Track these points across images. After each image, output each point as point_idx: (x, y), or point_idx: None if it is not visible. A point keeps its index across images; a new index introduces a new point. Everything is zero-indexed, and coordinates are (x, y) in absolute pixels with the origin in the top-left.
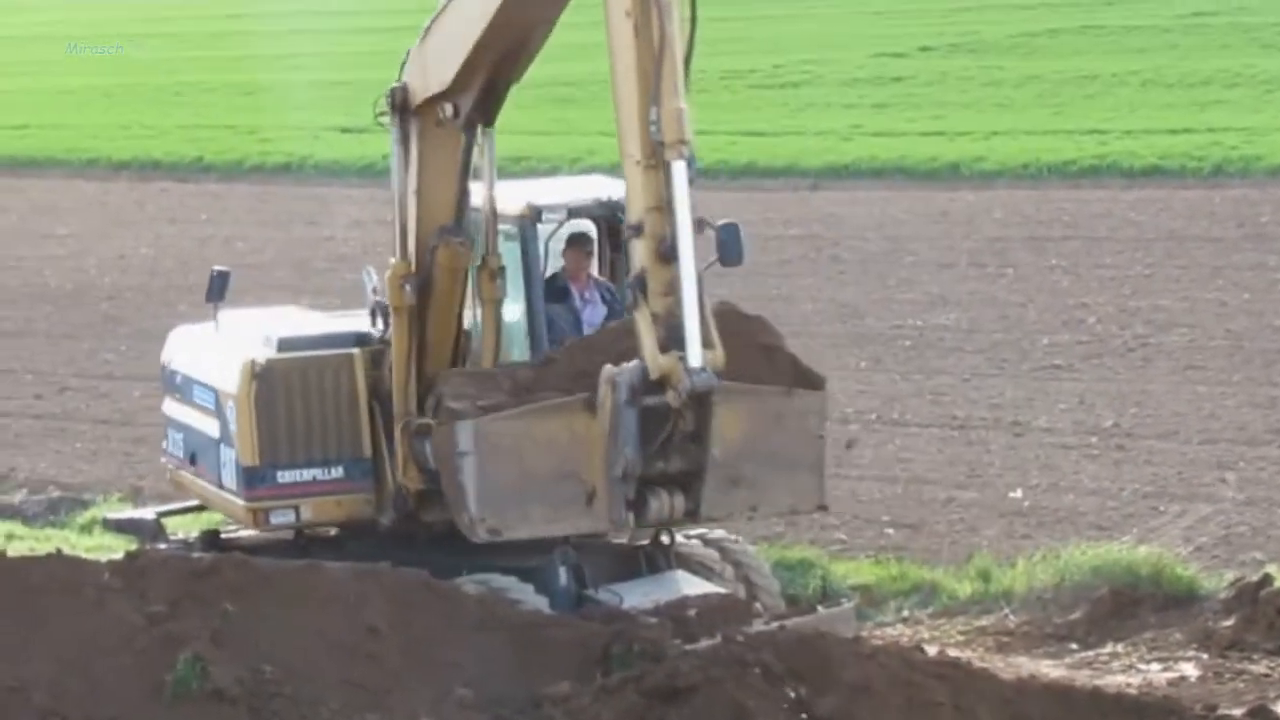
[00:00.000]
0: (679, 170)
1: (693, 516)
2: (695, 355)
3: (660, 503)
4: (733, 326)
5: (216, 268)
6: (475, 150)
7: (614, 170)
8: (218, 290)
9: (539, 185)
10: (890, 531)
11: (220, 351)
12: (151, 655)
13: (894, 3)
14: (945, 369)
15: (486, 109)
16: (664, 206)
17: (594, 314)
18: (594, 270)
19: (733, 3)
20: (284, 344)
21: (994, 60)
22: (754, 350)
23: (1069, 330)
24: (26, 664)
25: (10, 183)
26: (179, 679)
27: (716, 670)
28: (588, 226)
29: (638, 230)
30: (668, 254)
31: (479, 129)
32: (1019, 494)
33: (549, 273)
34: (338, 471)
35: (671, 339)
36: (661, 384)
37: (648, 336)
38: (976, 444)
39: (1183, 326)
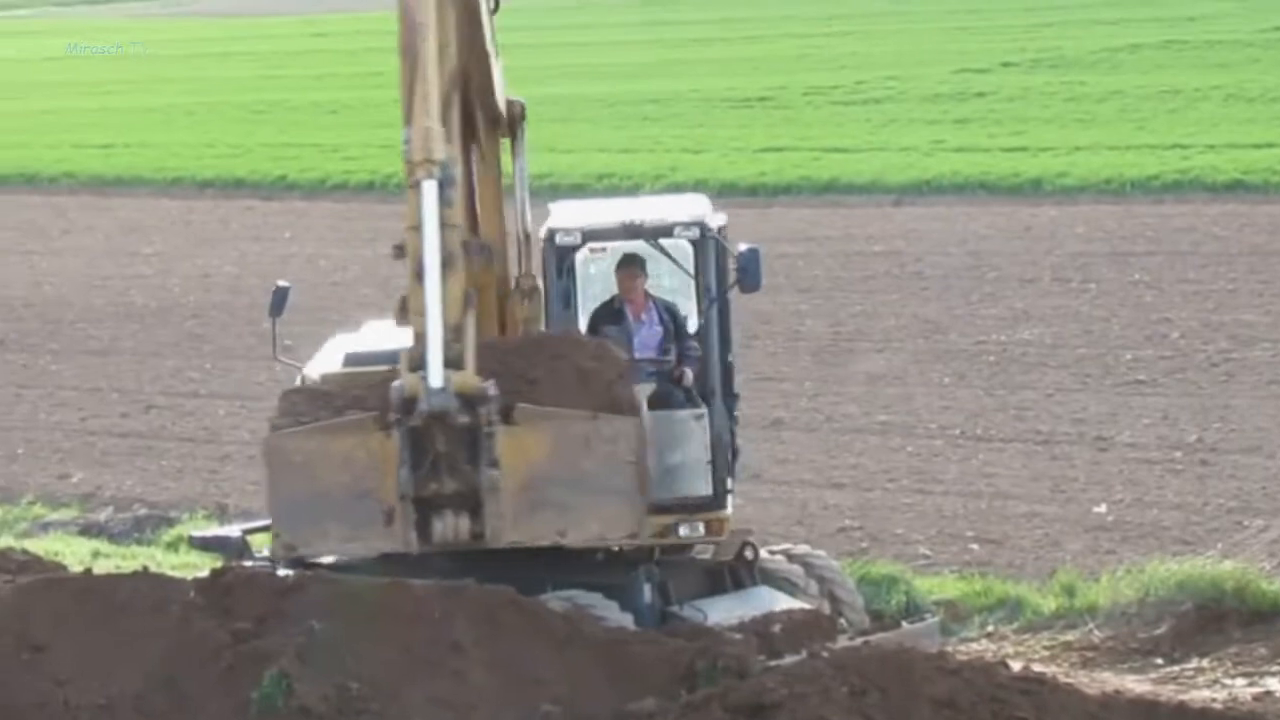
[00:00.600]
0: (427, 190)
1: (479, 539)
2: (435, 375)
3: (445, 524)
4: (555, 350)
5: (279, 282)
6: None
7: (697, 188)
8: (278, 305)
9: (606, 204)
10: (974, 547)
11: None
12: (237, 672)
13: (976, 19)
14: (1029, 384)
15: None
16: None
17: (649, 336)
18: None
19: (814, 20)
20: (349, 359)
21: (1076, 76)
22: (569, 374)
23: (1152, 345)
24: (113, 682)
25: (96, 202)
26: (264, 696)
27: (801, 686)
28: (638, 248)
29: (399, 250)
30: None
31: (472, 149)
32: (1103, 509)
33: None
34: None
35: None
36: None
37: (403, 355)
38: (1060, 459)
39: (1266, 341)
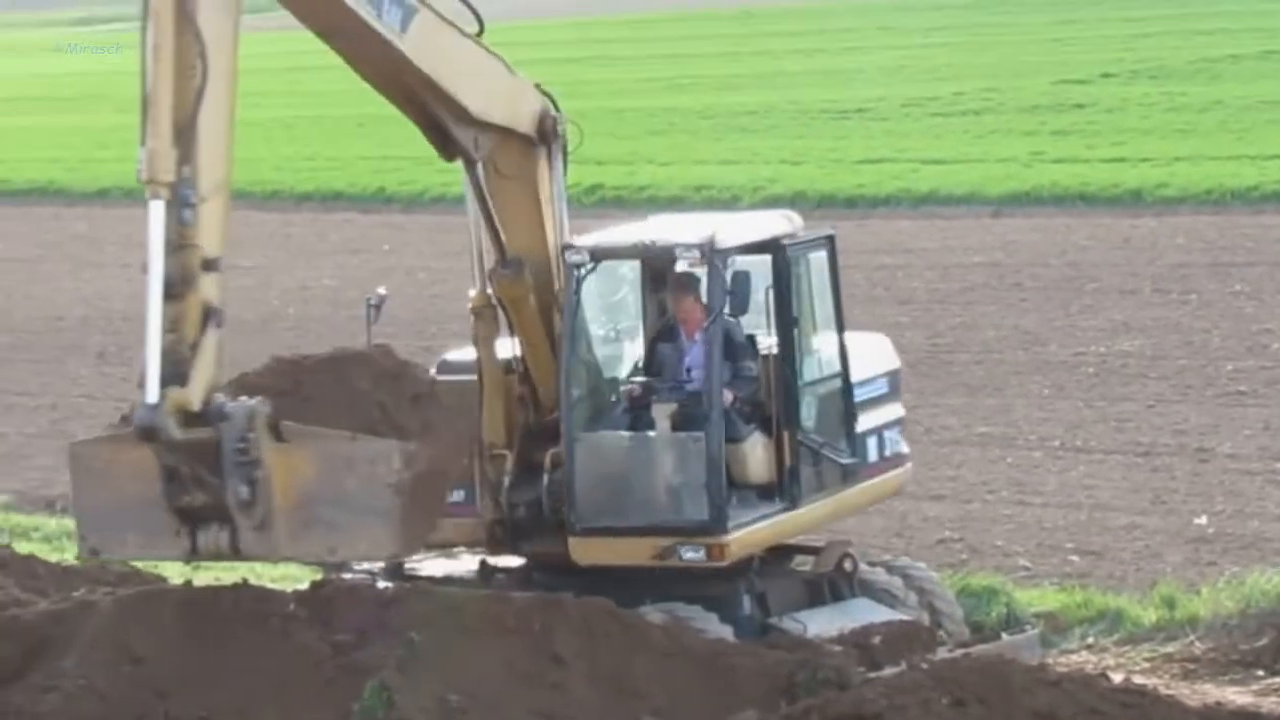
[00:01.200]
0: (153, 210)
1: (237, 554)
2: (149, 392)
3: (207, 537)
4: (343, 368)
5: (379, 290)
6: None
7: (793, 202)
8: (376, 312)
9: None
10: (1074, 558)
11: None
12: (338, 684)
13: (1075, 30)
14: (1129, 395)
15: (443, 147)
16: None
17: (700, 355)
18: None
19: (912, 31)
20: (443, 367)
21: (1176, 86)
22: (345, 394)
23: (1253, 356)
24: (214, 693)
25: None
26: (365, 708)
27: (901, 698)
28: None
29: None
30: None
31: (477, 165)
32: (1204, 520)
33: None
34: (459, 495)
35: (174, 374)
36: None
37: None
38: (1161, 470)
39: None
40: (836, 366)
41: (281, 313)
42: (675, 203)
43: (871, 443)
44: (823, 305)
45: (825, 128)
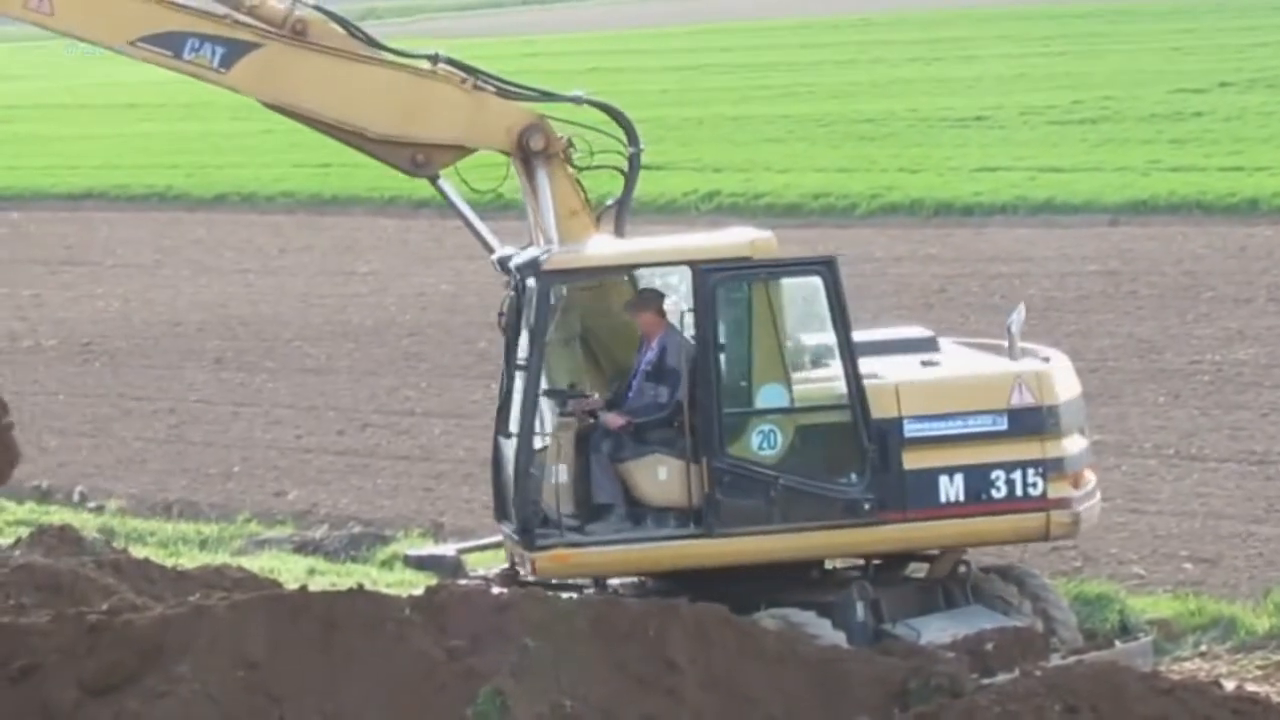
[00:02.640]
0: None
1: None
2: None
3: None
4: None
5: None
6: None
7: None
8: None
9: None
10: (1188, 566)
11: None
12: (451, 690)
13: (1193, 39)
14: (1244, 404)
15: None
16: None
17: (644, 364)
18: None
19: (1030, 40)
20: None
21: None
22: None
23: None
24: (330, 698)
25: (313, 220)
26: (479, 713)
27: (1015, 705)
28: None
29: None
30: None
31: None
32: None
33: None
34: None
35: None
36: None
37: None
38: (1275, 479)
39: None
40: (833, 397)
41: (398, 319)
42: (792, 210)
43: (936, 481)
44: (814, 331)
45: (943, 136)
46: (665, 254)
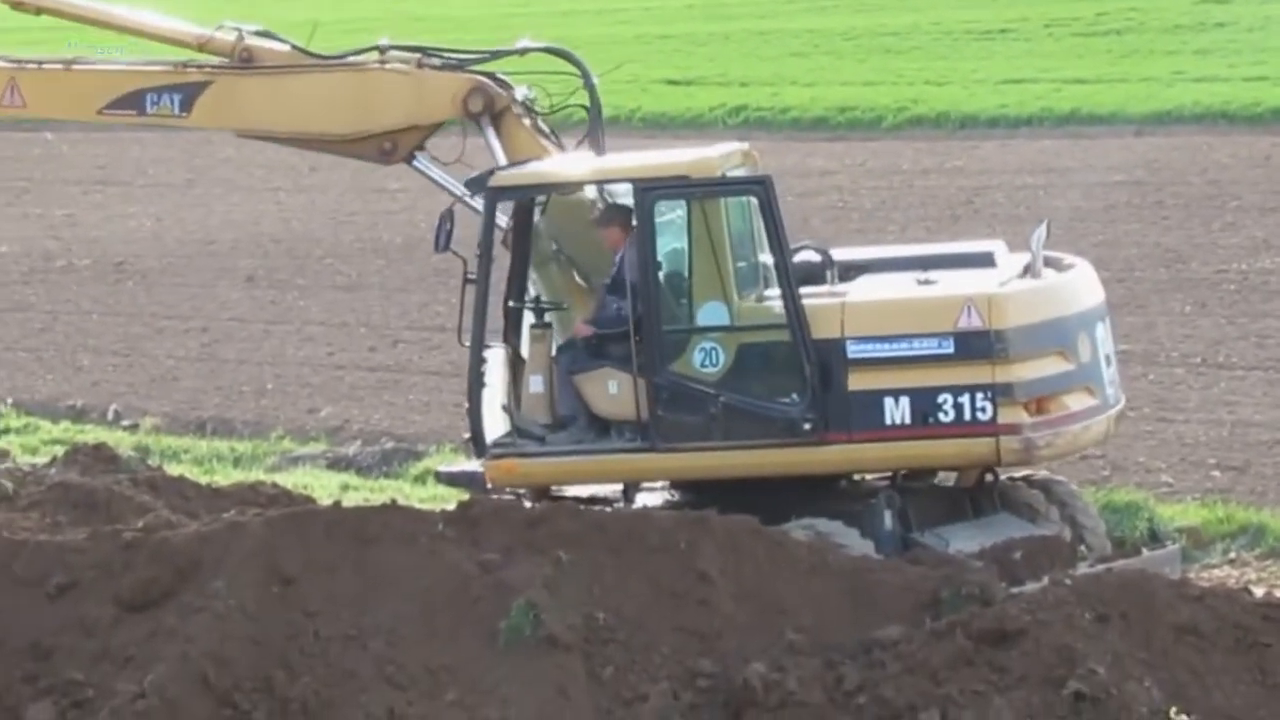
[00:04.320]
0: None
1: None
2: None
3: None
4: None
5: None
6: None
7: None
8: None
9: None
10: (1216, 474)
11: None
12: (485, 603)
13: None
14: (1270, 312)
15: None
16: None
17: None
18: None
19: None
20: None
21: None
22: None
23: None
24: (364, 613)
25: None
26: (512, 626)
27: (1045, 613)
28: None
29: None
30: None
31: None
32: None
33: None
34: None
35: None
36: None
37: None
38: None
39: None
40: (771, 316)
41: (429, 236)
42: (819, 124)
43: (880, 403)
44: (752, 251)
45: (968, 48)
46: (608, 172)
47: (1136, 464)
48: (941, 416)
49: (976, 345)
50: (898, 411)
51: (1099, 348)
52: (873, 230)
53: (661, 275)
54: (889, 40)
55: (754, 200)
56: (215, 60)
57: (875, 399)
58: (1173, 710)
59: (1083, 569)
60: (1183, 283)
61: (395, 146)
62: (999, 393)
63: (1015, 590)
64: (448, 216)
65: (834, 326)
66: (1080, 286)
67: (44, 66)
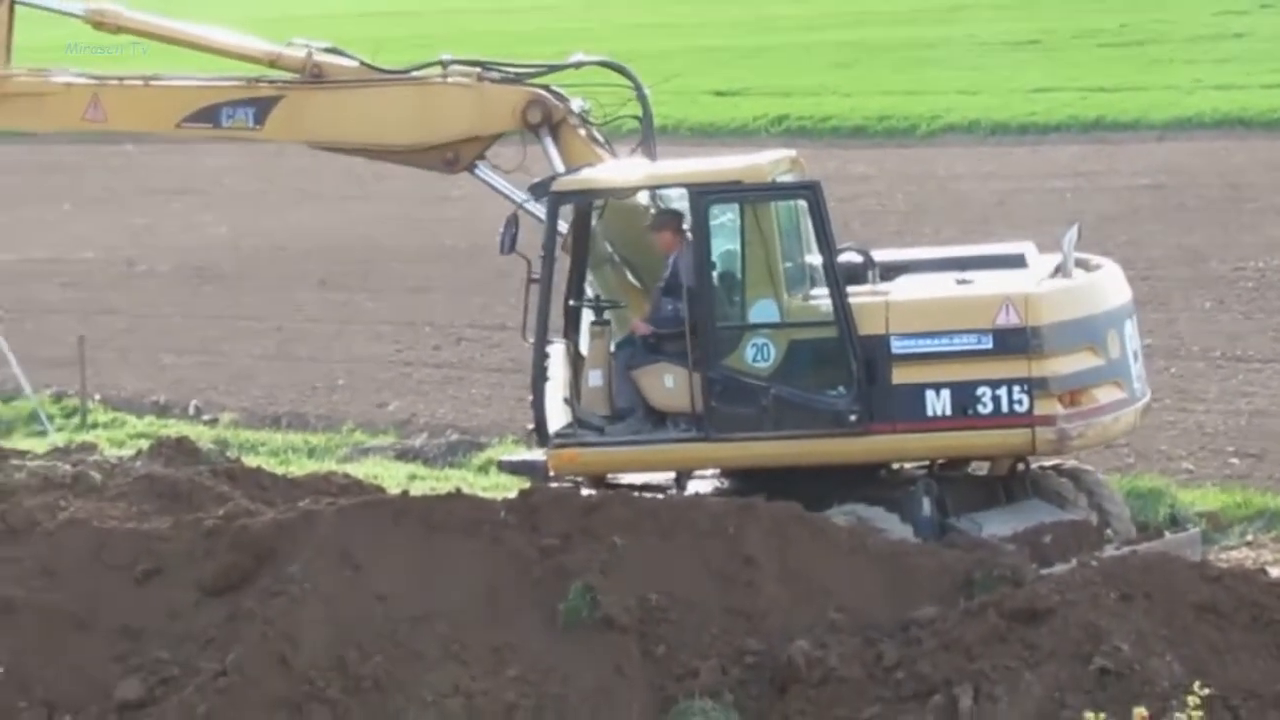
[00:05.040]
0: None
1: None
2: None
3: None
4: None
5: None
6: None
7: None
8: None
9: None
10: (1235, 461)
11: None
12: (545, 586)
13: None
14: None
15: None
16: None
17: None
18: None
19: None
20: None
21: None
22: None
23: None
24: (430, 595)
25: None
26: (570, 608)
27: (1073, 593)
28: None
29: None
30: None
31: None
32: None
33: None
34: None
35: None
36: None
37: None
38: None
39: None
40: (820, 314)
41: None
42: (858, 132)
43: (922, 396)
44: (798, 252)
45: (999, 59)
46: (664, 178)
47: (1159, 452)
48: (980, 408)
49: (1014, 341)
50: (939, 404)
51: (1127, 344)
52: (909, 232)
53: (715, 275)
54: (924, 52)
55: (803, 204)
56: (286, 76)
57: (918, 392)
58: (1196, 684)
59: (1109, 551)
60: (1203, 280)
61: (458, 156)
62: (1035, 386)
63: (1045, 572)
64: (513, 221)
65: (879, 323)
66: (1109, 286)
67: (124, 83)
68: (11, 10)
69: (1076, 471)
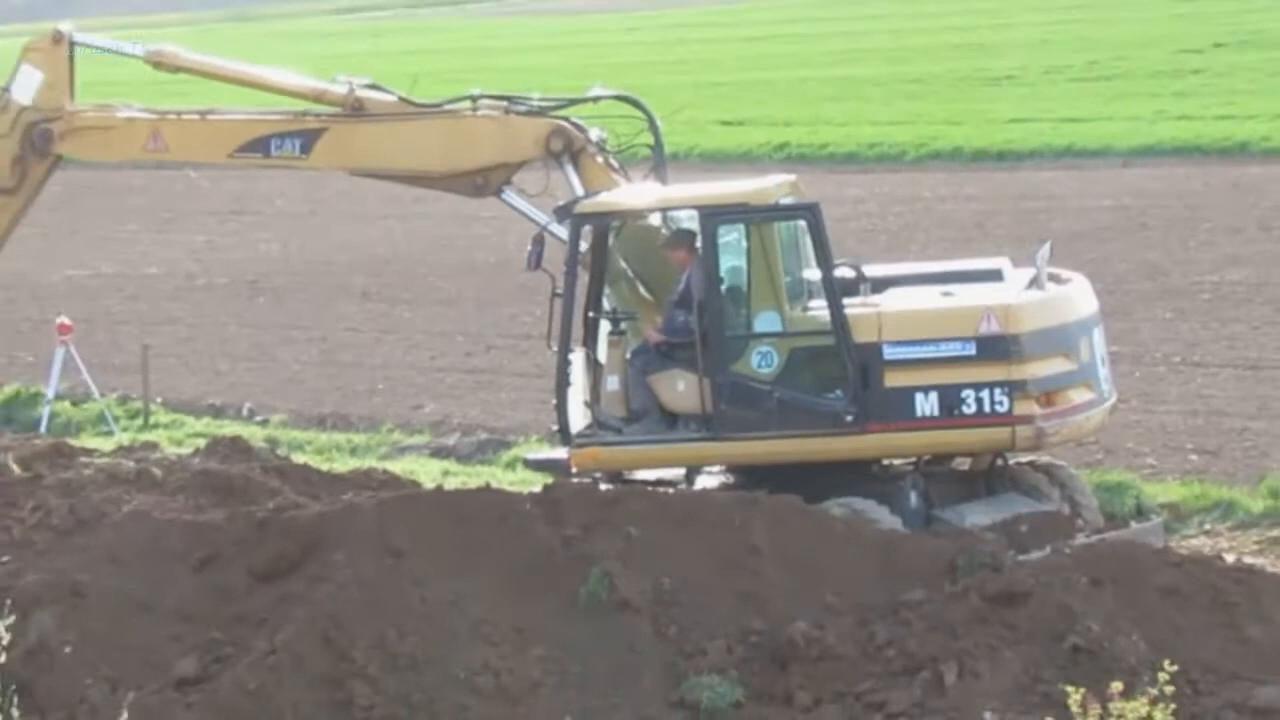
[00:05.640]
0: None
1: None
2: None
3: None
4: None
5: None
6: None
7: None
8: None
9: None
10: (1193, 457)
11: None
12: (567, 572)
13: (1192, 6)
14: (1238, 318)
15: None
16: None
17: (674, 295)
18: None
19: (1053, 9)
20: None
21: (1278, 53)
22: None
23: None
24: (463, 580)
25: None
26: (590, 592)
27: (1047, 577)
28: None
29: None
30: None
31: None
32: None
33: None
34: None
35: None
36: None
37: None
38: (1266, 381)
39: None
40: (819, 324)
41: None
42: (851, 158)
43: (912, 398)
44: (797, 267)
45: (979, 92)
46: (676, 200)
47: (1125, 449)
48: (965, 409)
49: (995, 348)
50: (927, 405)
51: (1096, 350)
52: (898, 249)
53: (723, 289)
54: (911, 86)
55: (803, 223)
56: (330, 110)
57: (908, 394)
58: (1165, 662)
59: (1080, 540)
60: (1163, 293)
61: (486, 182)
62: (1014, 388)
63: (1022, 558)
64: (539, 241)
65: (873, 332)
66: (1079, 297)
67: (182, 117)
68: (71, 51)
69: (1050, 467)
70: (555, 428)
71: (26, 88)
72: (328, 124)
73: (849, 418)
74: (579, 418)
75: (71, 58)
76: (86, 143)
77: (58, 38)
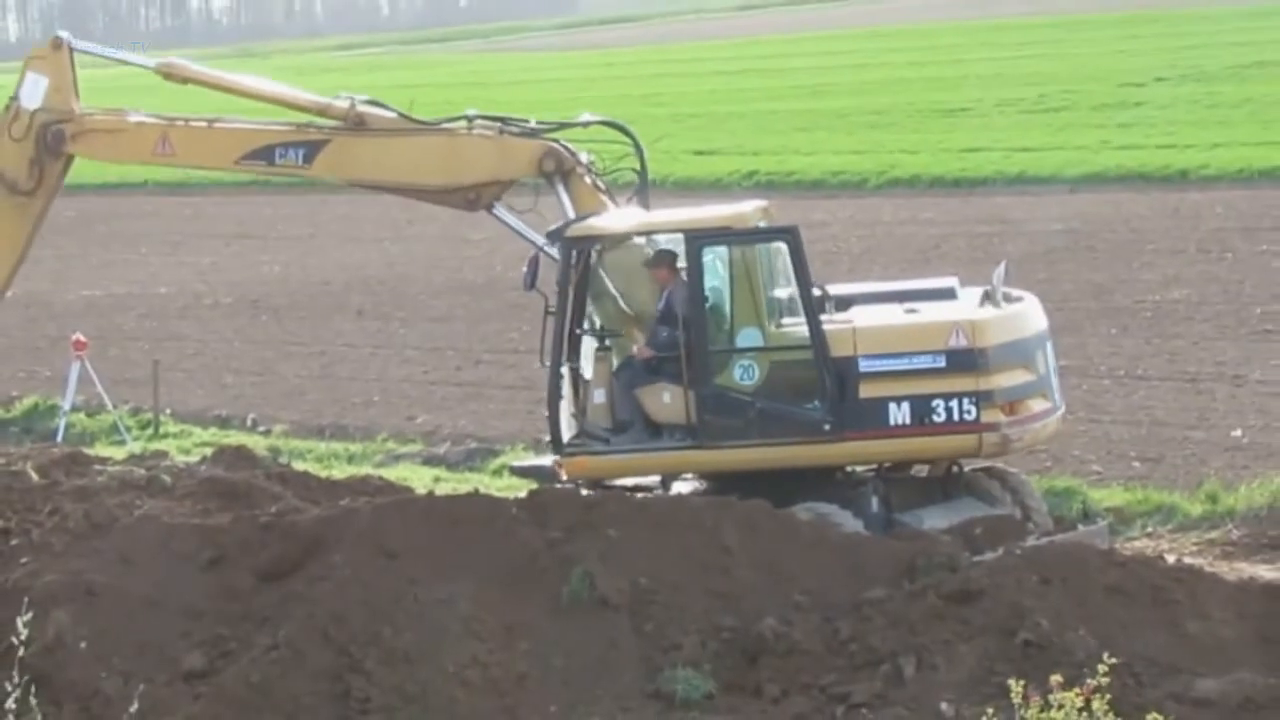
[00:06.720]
0: None
1: None
2: None
3: None
4: None
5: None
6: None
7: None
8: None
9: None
10: (1136, 464)
11: None
12: (551, 572)
13: (1135, 44)
14: (1179, 334)
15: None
16: None
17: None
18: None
19: (1005, 46)
20: None
21: (1215, 87)
22: None
23: (1278, 302)
24: (453, 580)
25: None
26: (573, 590)
27: (1000, 577)
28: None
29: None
30: None
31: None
32: (1239, 433)
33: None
34: None
35: None
36: None
37: None
38: (1204, 393)
39: None
40: (797, 339)
41: (504, 276)
42: (816, 185)
43: (886, 408)
44: (773, 286)
45: (936, 123)
46: (662, 224)
47: (1072, 456)
48: (935, 418)
49: (963, 360)
50: (900, 414)
51: (1049, 363)
52: (860, 270)
53: (707, 307)
54: (872, 118)
55: (779, 245)
56: (332, 123)
57: (882, 404)
58: (1105, 655)
59: (1030, 542)
60: (1109, 311)
61: (479, 197)
62: (981, 398)
63: (976, 559)
64: (534, 262)
65: (848, 346)
66: (1032, 314)
67: (190, 123)
68: (71, 55)
69: (1003, 473)
70: (546, 438)
71: (34, 93)
72: (330, 136)
73: (826, 427)
74: (568, 429)
75: (72, 62)
76: (97, 144)
77: (57, 43)
